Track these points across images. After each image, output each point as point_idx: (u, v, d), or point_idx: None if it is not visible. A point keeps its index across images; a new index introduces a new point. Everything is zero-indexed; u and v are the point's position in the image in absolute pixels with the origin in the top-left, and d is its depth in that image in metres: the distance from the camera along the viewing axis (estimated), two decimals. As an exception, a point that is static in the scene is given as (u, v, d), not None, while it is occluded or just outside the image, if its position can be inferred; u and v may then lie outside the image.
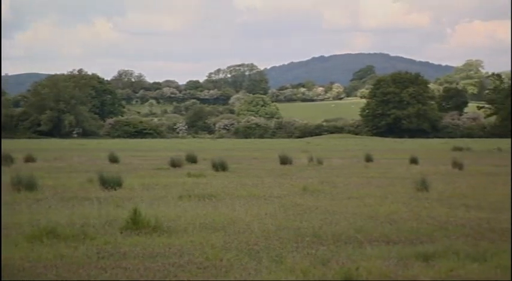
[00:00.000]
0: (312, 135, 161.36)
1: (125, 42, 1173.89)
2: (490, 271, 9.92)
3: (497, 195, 20.67)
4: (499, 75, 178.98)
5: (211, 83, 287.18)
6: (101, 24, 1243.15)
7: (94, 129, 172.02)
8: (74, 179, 26.31)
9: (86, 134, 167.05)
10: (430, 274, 9.75)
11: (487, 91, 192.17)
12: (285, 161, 38.18)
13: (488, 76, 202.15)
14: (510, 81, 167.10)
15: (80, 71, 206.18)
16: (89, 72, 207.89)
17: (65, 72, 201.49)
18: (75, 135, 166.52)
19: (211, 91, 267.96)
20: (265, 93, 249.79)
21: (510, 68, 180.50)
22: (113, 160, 40.54)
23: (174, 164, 35.06)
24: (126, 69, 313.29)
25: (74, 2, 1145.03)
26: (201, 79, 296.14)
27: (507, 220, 15.16)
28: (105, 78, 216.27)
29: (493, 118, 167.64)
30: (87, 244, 12.19)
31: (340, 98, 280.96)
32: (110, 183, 21.96)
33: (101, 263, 10.61)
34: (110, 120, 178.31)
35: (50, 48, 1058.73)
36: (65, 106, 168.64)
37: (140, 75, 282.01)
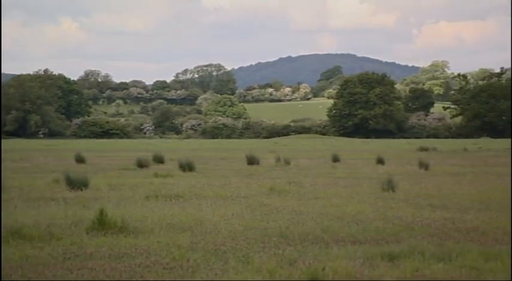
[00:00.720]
0: (279, 136, 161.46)
1: (91, 42, 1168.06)
2: (455, 271, 10.00)
3: (462, 195, 20.83)
4: (464, 76, 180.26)
5: (178, 83, 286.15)
6: (68, 24, 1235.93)
7: (60, 130, 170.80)
8: (40, 179, 26.12)
9: (52, 134, 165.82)
10: (396, 273, 9.81)
11: (452, 92, 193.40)
12: (252, 161, 38.19)
13: (454, 77, 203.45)
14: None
15: (46, 71, 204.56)
16: (55, 73, 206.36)
17: (31, 72, 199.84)
18: (41, 135, 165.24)
19: (179, 91, 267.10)
20: (232, 94, 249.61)
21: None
22: (80, 160, 40.30)
23: (141, 164, 34.92)
24: (92, 69, 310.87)
25: (40, 1, 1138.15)
26: (168, 79, 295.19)
27: (472, 220, 15.31)
28: (72, 79, 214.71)
29: (458, 118, 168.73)
30: (53, 244, 12.13)
31: (308, 99, 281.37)
32: (76, 183, 21.84)
33: (66, 264, 10.56)
34: (76, 121, 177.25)
35: (15, 48, 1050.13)
36: (31, 106, 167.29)
37: (107, 76, 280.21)
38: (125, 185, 23.60)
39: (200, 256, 11.03)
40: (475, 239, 12.92)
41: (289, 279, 9.46)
